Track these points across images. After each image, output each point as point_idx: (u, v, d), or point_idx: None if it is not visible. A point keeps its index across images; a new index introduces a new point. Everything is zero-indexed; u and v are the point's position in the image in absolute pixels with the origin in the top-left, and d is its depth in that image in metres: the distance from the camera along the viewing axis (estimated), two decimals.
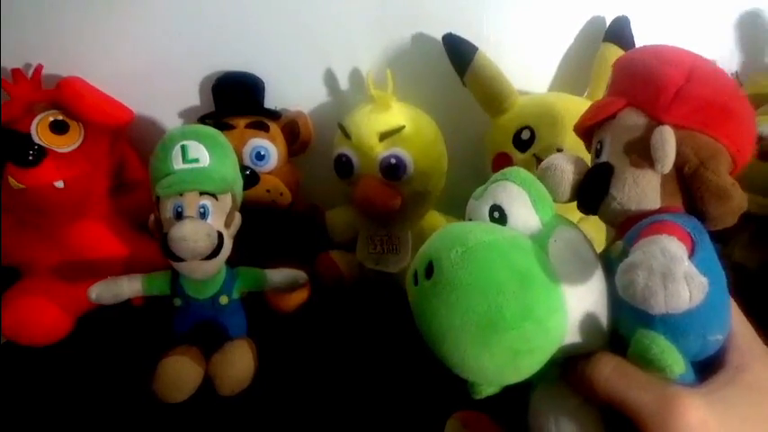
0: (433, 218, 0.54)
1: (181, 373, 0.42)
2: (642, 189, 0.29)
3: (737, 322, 0.28)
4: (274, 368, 0.45)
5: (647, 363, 0.26)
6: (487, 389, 0.32)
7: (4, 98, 0.48)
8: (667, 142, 0.28)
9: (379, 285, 0.54)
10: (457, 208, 0.33)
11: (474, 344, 0.26)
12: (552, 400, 0.30)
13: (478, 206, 0.30)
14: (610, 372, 0.26)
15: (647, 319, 0.26)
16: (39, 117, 0.48)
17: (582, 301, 0.28)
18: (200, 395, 0.42)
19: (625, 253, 0.26)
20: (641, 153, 0.29)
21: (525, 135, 0.49)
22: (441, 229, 0.29)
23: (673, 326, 0.25)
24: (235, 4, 0.54)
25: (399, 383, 0.43)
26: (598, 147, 0.33)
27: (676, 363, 0.25)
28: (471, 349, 0.26)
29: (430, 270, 0.26)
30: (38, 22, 0.54)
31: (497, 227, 0.29)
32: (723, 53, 0.54)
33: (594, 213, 0.32)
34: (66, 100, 0.48)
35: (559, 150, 0.46)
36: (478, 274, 0.25)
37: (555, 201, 0.31)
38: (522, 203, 0.30)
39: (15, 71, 0.49)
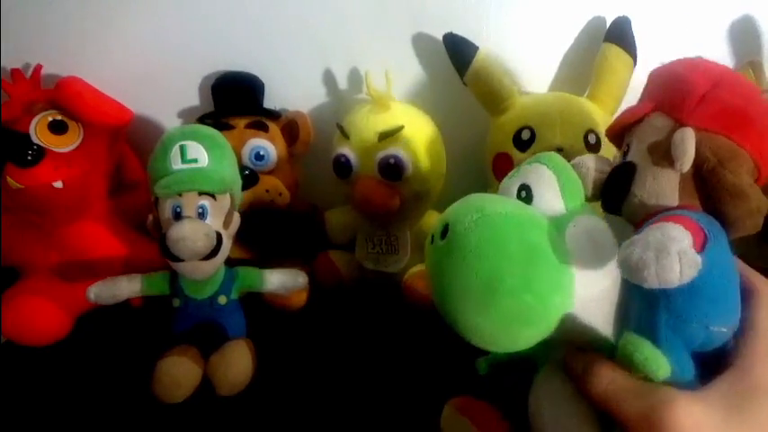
0: (432, 218, 0.54)
1: (179, 374, 0.42)
2: (661, 186, 0.30)
3: (759, 322, 0.27)
4: (273, 368, 0.45)
5: (633, 368, 0.26)
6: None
7: (4, 98, 0.48)
8: (687, 141, 0.28)
9: (379, 285, 0.54)
10: None
11: (473, 305, 0.27)
12: (551, 386, 0.30)
13: (508, 185, 0.32)
14: (605, 386, 0.27)
15: (653, 304, 0.26)
16: (37, 117, 0.48)
17: (592, 287, 0.28)
18: (199, 395, 0.42)
19: None
20: (663, 153, 0.30)
21: (525, 135, 0.49)
22: (463, 198, 0.30)
23: (675, 312, 0.26)
24: (234, 5, 0.54)
25: (397, 383, 0.43)
26: (625, 149, 0.33)
27: (661, 368, 0.25)
28: (470, 309, 0.27)
29: (445, 232, 0.28)
30: (38, 22, 0.54)
31: (518, 202, 0.30)
32: (723, 53, 0.54)
33: (618, 213, 0.33)
34: (65, 100, 0.48)
35: (559, 150, 0.46)
36: (489, 239, 0.26)
37: None
38: (551, 187, 0.30)
39: (14, 71, 0.49)
